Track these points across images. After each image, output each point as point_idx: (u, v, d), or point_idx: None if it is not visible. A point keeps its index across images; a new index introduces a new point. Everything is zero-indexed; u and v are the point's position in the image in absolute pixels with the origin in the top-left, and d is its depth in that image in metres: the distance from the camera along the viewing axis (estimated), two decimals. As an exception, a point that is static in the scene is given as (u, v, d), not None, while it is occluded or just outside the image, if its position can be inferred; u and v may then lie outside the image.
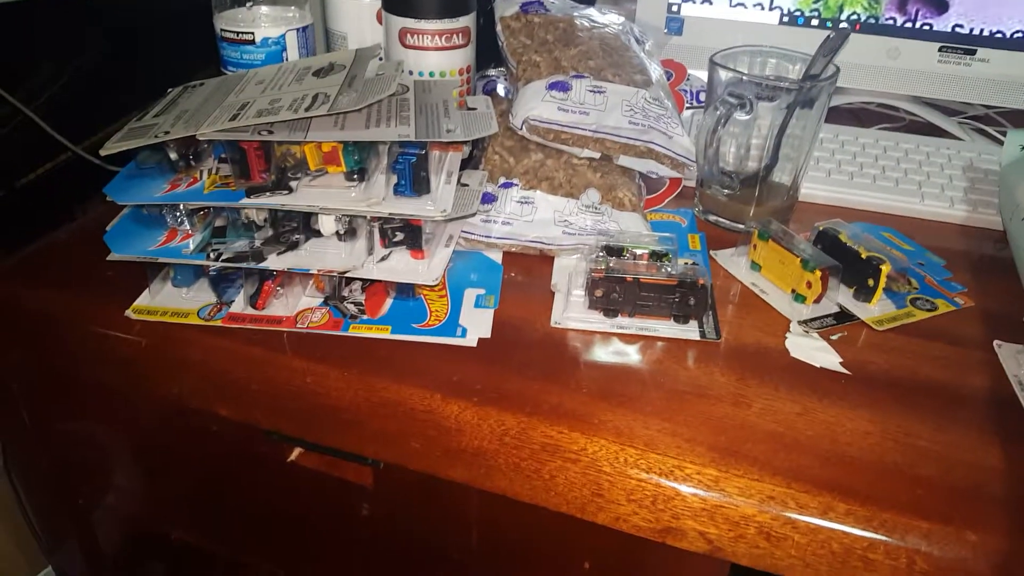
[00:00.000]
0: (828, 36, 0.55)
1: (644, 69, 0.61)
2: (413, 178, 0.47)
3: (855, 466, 0.41)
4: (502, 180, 0.57)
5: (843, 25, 0.73)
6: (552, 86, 0.56)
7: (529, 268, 0.56)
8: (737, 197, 0.60)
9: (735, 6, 0.74)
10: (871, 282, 0.52)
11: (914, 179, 0.66)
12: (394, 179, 0.48)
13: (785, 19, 0.74)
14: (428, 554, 0.56)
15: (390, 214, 0.47)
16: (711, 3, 0.75)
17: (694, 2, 0.75)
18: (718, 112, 0.55)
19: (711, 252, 0.58)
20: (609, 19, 0.66)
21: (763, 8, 0.74)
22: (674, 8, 0.75)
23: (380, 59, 0.61)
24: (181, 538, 0.68)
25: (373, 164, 0.48)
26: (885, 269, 0.51)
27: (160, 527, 0.68)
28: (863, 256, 0.52)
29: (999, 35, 0.71)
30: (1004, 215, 0.58)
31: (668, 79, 0.68)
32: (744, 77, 0.56)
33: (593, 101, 0.57)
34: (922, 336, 0.50)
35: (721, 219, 0.61)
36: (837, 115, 0.79)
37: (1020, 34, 0.70)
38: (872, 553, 0.38)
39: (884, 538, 0.38)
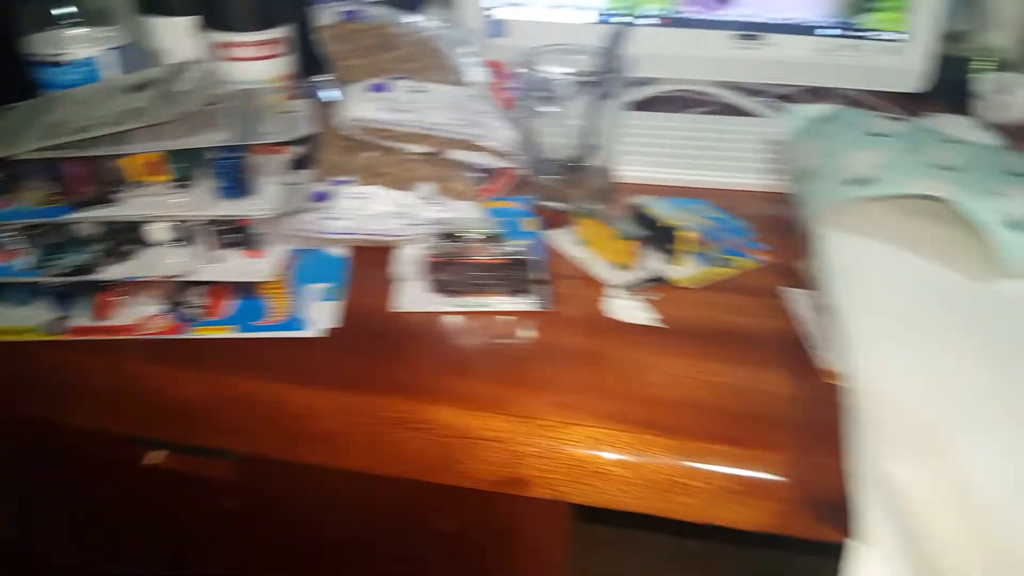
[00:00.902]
0: (608, 34, 0.61)
1: (464, 70, 0.65)
2: (237, 180, 0.49)
3: (671, 406, 0.46)
4: (336, 178, 0.59)
5: (647, 21, 0.80)
6: (373, 88, 0.60)
7: (374, 260, 0.58)
8: (563, 182, 0.65)
9: (552, 8, 0.80)
10: (676, 247, 0.58)
11: (722, 155, 0.73)
12: (218, 183, 0.50)
13: (600, 19, 0.80)
14: (306, 538, 0.58)
15: (217, 216, 0.49)
16: (528, 6, 0.80)
17: (509, 5, 0.80)
18: (522, 105, 0.59)
19: (544, 232, 0.62)
20: (430, 24, 0.70)
21: (576, 8, 0.80)
22: (492, 13, 0.80)
23: (198, 71, 0.62)
24: (61, 560, 0.66)
25: (198, 171, 0.50)
26: (688, 235, 0.57)
27: (37, 549, 0.67)
28: (670, 225, 0.58)
29: (780, 21, 0.79)
30: (788, 177, 0.66)
31: (493, 78, 0.72)
32: (541, 74, 0.61)
33: (415, 100, 0.60)
34: (726, 290, 0.57)
35: (551, 203, 0.66)
36: (657, 103, 0.86)
37: (797, 20, 0.79)
38: (690, 479, 0.44)
39: (698, 465, 0.43)
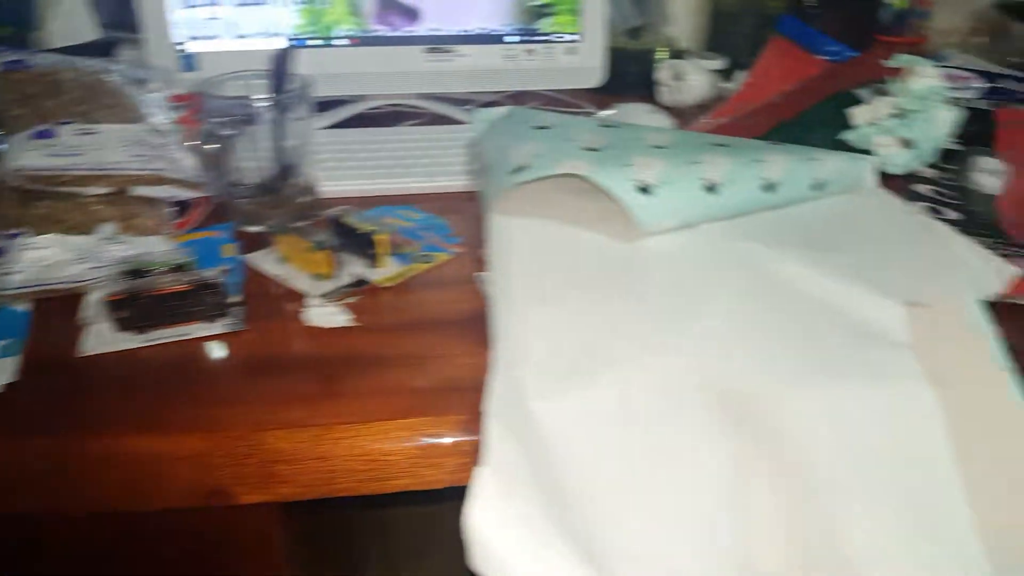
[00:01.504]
0: (272, 55, 0.64)
1: (137, 106, 0.65)
2: None
3: (361, 396, 0.49)
4: (9, 231, 0.57)
5: (339, 42, 0.83)
6: (37, 135, 0.58)
7: (64, 308, 0.57)
8: (261, 204, 0.67)
9: (239, 38, 0.81)
10: (374, 250, 0.61)
11: (423, 162, 0.77)
12: None
13: (292, 43, 0.82)
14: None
15: None
16: (218, 38, 0.81)
17: (200, 39, 0.80)
18: (200, 132, 0.61)
19: (245, 256, 0.63)
20: (105, 66, 0.69)
21: (266, 36, 0.81)
22: (183, 48, 0.80)
23: None
24: None
25: None
26: (380, 237, 0.60)
27: None
28: (363, 231, 0.61)
29: (467, 33, 0.85)
30: (475, 173, 0.71)
31: (186, 110, 0.73)
32: (222, 101, 0.63)
33: (84, 142, 0.59)
34: (424, 283, 0.61)
35: (250, 227, 0.67)
36: (371, 120, 0.89)
37: (483, 30, 0.86)
38: (389, 456, 0.47)
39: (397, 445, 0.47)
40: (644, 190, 0.58)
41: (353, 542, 0.98)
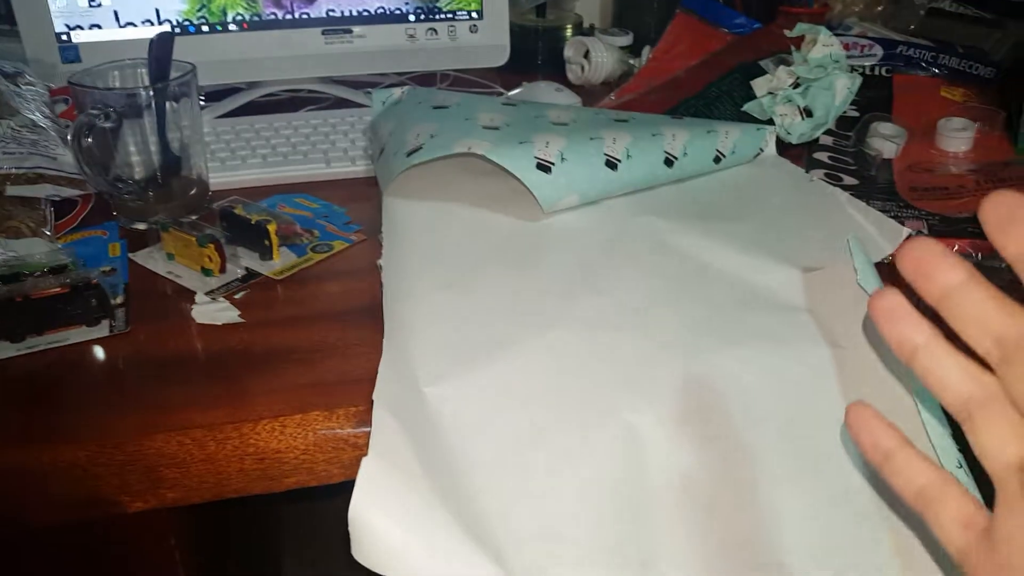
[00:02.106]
0: (151, 41, 0.61)
1: (8, 101, 0.61)
2: None
3: (249, 394, 0.47)
4: None
5: (231, 27, 0.80)
6: None
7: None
8: (150, 198, 0.64)
9: (125, 26, 0.77)
10: (267, 242, 0.59)
11: (321, 148, 0.75)
12: None
13: (178, 30, 0.79)
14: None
15: None
16: (100, 27, 0.77)
17: (83, 28, 0.76)
18: (77, 125, 0.57)
19: (130, 254, 0.60)
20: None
21: (152, 23, 0.78)
22: (64, 38, 0.76)
23: None
24: None
25: None
26: (271, 228, 0.58)
27: None
28: (253, 222, 0.59)
29: (366, 12, 0.83)
30: (372, 157, 0.69)
31: (68, 104, 0.69)
32: (101, 93, 0.60)
33: (-56, 138, 0.56)
34: (321, 274, 0.59)
35: (136, 223, 0.64)
36: (267, 107, 0.86)
37: (382, 9, 0.83)
38: (327, 447, 0.45)
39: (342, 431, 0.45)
40: (545, 168, 0.57)
41: (270, 539, 0.96)
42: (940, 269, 0.27)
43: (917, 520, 0.32)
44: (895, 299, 0.29)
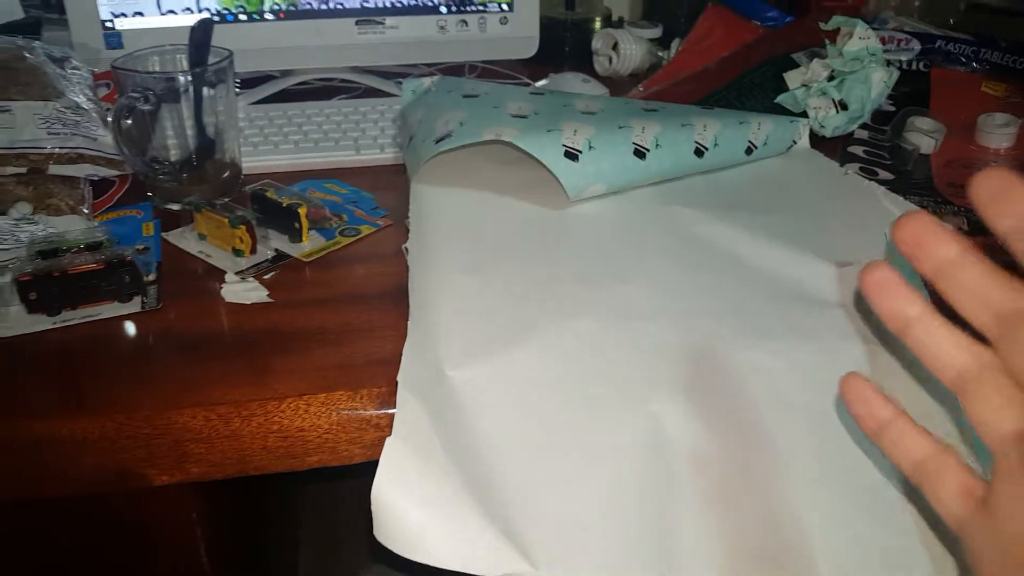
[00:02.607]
0: (192, 28, 0.62)
1: (54, 83, 0.63)
2: None
3: (282, 372, 0.47)
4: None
5: (268, 16, 0.81)
6: (-63, 112, 0.56)
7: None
8: (184, 180, 0.65)
9: (166, 13, 0.79)
10: (297, 225, 0.60)
11: (351, 136, 0.76)
12: None
13: (216, 18, 0.80)
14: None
15: None
16: (143, 15, 0.78)
17: (126, 15, 0.78)
18: (118, 107, 0.59)
19: (163, 234, 0.61)
20: (19, 43, 0.67)
21: (192, 11, 0.79)
22: (108, 25, 0.78)
23: None
24: None
25: None
26: (302, 211, 0.59)
27: None
28: (284, 205, 0.60)
29: (399, 4, 0.84)
30: (401, 145, 0.70)
31: (109, 88, 0.71)
32: (143, 76, 0.61)
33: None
34: (349, 257, 0.59)
35: (171, 204, 0.65)
36: (299, 95, 0.87)
37: (415, 1, 0.84)
38: (350, 427, 0.46)
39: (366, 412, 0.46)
40: (572, 155, 0.57)
41: (288, 517, 0.97)
42: (936, 243, 0.27)
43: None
44: (887, 272, 0.29)
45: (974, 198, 0.26)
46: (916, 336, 0.29)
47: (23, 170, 0.59)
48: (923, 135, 0.75)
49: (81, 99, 0.65)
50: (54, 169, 0.60)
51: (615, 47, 0.96)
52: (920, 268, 0.28)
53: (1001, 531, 0.27)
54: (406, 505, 0.37)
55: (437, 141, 0.59)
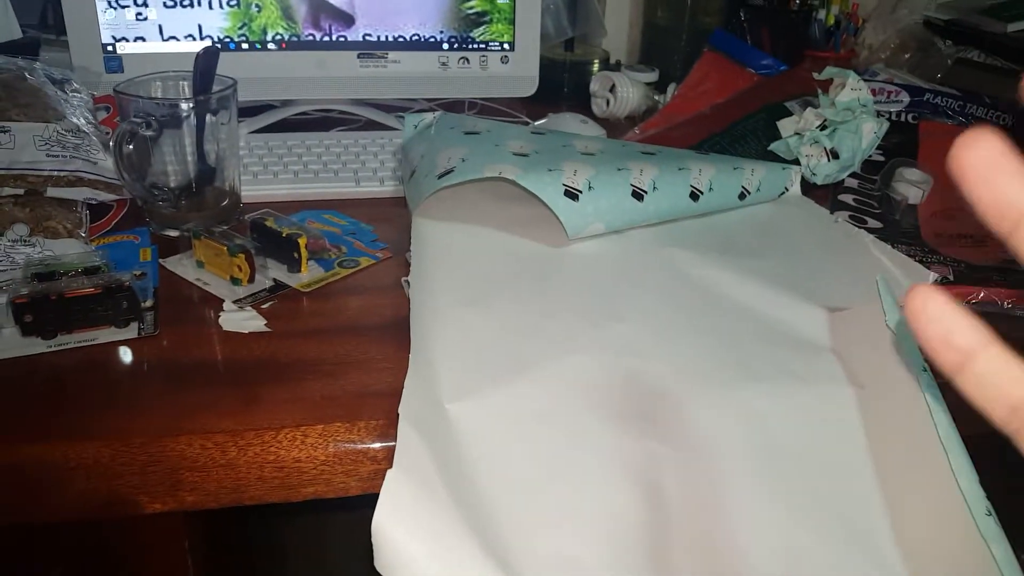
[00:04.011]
0: (197, 55, 0.62)
1: (55, 105, 0.63)
2: None
3: (271, 403, 0.47)
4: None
5: (270, 46, 0.82)
6: (-62, 131, 0.56)
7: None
8: (183, 207, 0.65)
9: (167, 39, 0.79)
10: (296, 255, 0.60)
11: (351, 167, 0.76)
12: None
13: (218, 46, 0.81)
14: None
15: None
16: (144, 40, 0.79)
17: (128, 40, 0.78)
18: (120, 132, 0.59)
19: (161, 260, 0.61)
20: (19, 64, 0.67)
21: (195, 38, 0.80)
22: (109, 49, 0.78)
23: None
24: None
25: None
26: (302, 242, 0.59)
27: None
28: (284, 235, 0.60)
29: (401, 39, 0.85)
30: (402, 178, 0.70)
31: (109, 112, 0.71)
32: (144, 102, 0.61)
33: (-6, 139, 0.57)
34: (347, 288, 0.60)
35: (169, 230, 0.65)
36: (299, 125, 0.88)
37: (417, 37, 0.85)
38: (346, 459, 0.46)
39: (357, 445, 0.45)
40: (572, 195, 0.58)
41: (276, 549, 0.96)
42: (956, 334, 0.23)
43: None
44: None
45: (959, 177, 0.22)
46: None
47: (21, 191, 0.59)
48: (911, 185, 0.77)
49: (81, 122, 0.65)
50: (52, 192, 0.60)
51: (612, 89, 0.98)
52: (940, 363, 0.23)
53: None
54: (406, 537, 0.37)
55: (440, 176, 0.59)
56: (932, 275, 0.59)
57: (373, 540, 0.37)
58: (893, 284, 0.58)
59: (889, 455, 0.45)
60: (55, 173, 0.59)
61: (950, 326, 0.22)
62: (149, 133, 0.61)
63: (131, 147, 0.60)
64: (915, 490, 0.43)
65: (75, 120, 0.64)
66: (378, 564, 0.37)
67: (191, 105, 0.63)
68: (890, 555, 0.40)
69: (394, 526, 0.37)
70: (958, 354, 0.23)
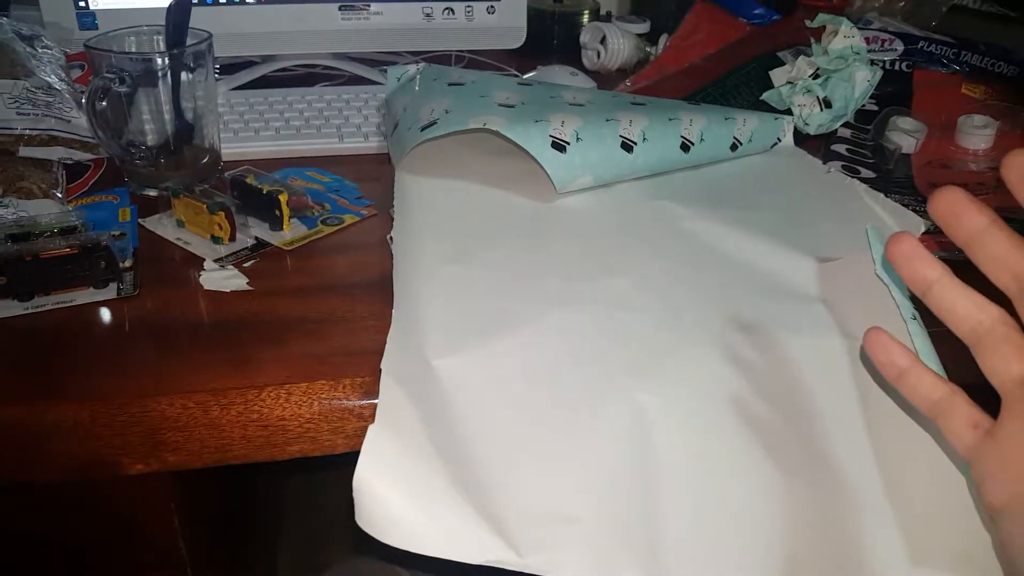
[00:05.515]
0: (169, 7, 0.60)
1: (24, 62, 0.61)
2: None
3: (254, 361, 0.46)
4: None
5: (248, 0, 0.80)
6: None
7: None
8: (162, 165, 0.63)
9: (143, -7, 0.77)
10: (277, 212, 0.58)
11: (334, 123, 0.75)
12: None
13: (195, 1, 0.78)
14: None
15: None
16: (117, -6, 0.77)
17: (101, -6, 0.76)
18: (92, 88, 0.57)
19: (140, 220, 0.60)
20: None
21: (171, -8, 0.77)
22: (82, 4, 0.76)
23: None
24: None
25: None
26: (283, 198, 0.58)
27: None
28: (265, 192, 0.58)
29: (384, -10, 0.83)
30: (386, 133, 0.69)
31: (83, 70, 0.69)
32: (118, 58, 0.59)
33: (-40, 97, 0.55)
34: (331, 246, 0.58)
35: (148, 189, 0.63)
36: (281, 81, 0.86)
37: (401, -12, 0.83)
38: (332, 417, 0.45)
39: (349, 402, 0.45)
40: (559, 146, 0.57)
41: (267, 509, 0.96)
42: (969, 214, 0.32)
43: None
44: (911, 242, 0.34)
45: (1005, 177, 0.32)
46: (937, 295, 0.34)
47: (-8, 151, 0.57)
48: (905, 135, 0.76)
49: (53, 79, 0.64)
50: (25, 151, 0.58)
51: (603, 41, 0.96)
52: (953, 236, 0.32)
53: (1006, 455, 0.33)
54: (388, 492, 0.37)
55: (423, 128, 0.58)
56: (924, 223, 0.59)
57: (355, 496, 0.36)
58: (886, 232, 0.57)
59: (880, 406, 0.44)
60: (27, 132, 0.58)
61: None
62: (123, 89, 0.59)
63: (104, 104, 0.58)
64: (905, 441, 0.42)
65: (46, 77, 0.62)
66: (359, 520, 0.36)
67: (165, 60, 0.61)
68: (881, 507, 0.40)
69: (376, 481, 0.37)
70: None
